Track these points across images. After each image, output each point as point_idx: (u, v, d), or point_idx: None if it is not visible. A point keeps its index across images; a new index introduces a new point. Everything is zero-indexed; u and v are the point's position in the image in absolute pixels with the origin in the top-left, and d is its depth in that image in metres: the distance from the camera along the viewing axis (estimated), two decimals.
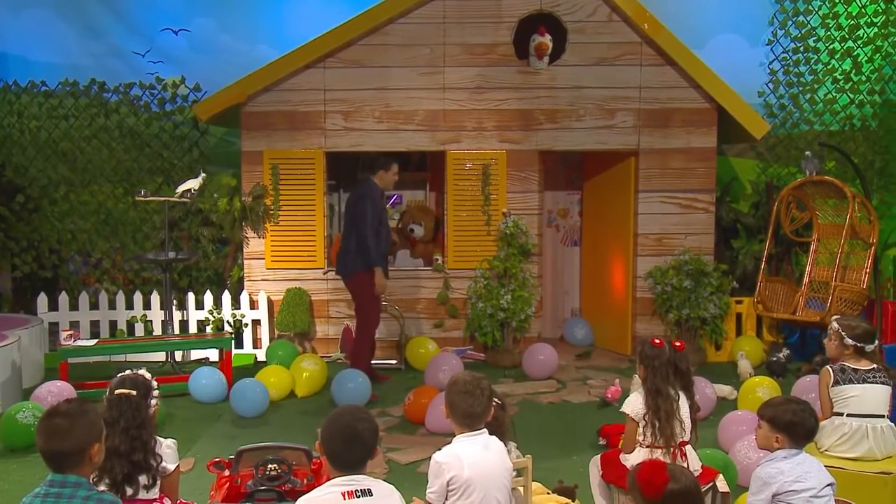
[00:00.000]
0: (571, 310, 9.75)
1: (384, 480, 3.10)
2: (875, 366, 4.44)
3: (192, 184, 8.02)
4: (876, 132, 9.85)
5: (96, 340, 7.74)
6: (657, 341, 4.14)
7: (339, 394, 6.77)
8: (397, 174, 7.36)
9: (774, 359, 7.86)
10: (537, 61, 8.44)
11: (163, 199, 8.27)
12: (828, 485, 3.45)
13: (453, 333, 8.55)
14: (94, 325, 8.57)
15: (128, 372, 3.73)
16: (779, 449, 3.53)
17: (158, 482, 3.52)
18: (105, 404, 3.54)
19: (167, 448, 3.62)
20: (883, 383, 4.40)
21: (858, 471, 4.25)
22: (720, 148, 8.95)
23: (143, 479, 3.46)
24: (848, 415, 4.37)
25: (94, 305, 8.64)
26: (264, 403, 6.66)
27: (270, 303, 8.54)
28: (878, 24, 9.75)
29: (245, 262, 8.66)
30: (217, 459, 4.26)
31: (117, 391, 3.55)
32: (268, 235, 8.55)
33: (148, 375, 3.73)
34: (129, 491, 3.42)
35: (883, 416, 4.38)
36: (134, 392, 3.54)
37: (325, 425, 2.99)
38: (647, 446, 4.02)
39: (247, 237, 8.59)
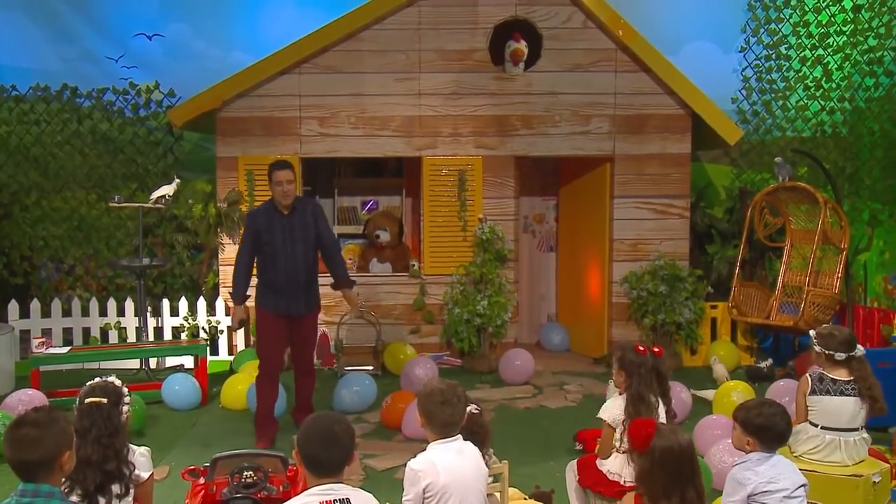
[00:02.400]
0: (548, 315, 9.78)
1: (361, 487, 3.09)
2: (853, 377, 4.40)
3: (167, 190, 7.96)
4: (846, 139, 9.98)
5: (69, 348, 7.66)
6: (641, 348, 4.16)
7: (343, 398, 6.79)
8: (282, 183, 5.93)
9: (756, 366, 7.94)
10: (513, 67, 8.47)
11: (137, 205, 8.19)
12: (801, 485, 3.49)
13: (430, 339, 8.54)
14: (67, 332, 8.47)
15: (97, 380, 3.67)
16: (751, 451, 3.56)
17: (131, 491, 3.48)
18: (76, 414, 3.49)
19: (140, 456, 3.57)
20: (860, 396, 4.38)
21: (830, 473, 4.29)
22: (694, 154, 9.03)
23: (115, 489, 3.41)
24: (822, 427, 4.38)
25: (66, 312, 8.54)
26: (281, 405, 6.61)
27: (246, 309, 8.46)
28: (847, 33, 9.89)
29: (220, 268, 8.61)
30: (192, 467, 4.21)
31: (88, 400, 3.49)
32: None
33: (118, 382, 3.66)
34: (102, 501, 3.37)
35: (857, 430, 4.39)
36: (105, 400, 3.49)
37: (301, 430, 2.96)
38: (624, 451, 4.04)
39: (222, 243, 8.53)
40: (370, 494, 3.00)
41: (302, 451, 2.92)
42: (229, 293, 6.22)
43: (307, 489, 2.93)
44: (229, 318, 8.34)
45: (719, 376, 7.62)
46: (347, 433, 2.94)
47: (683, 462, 2.78)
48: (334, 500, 2.84)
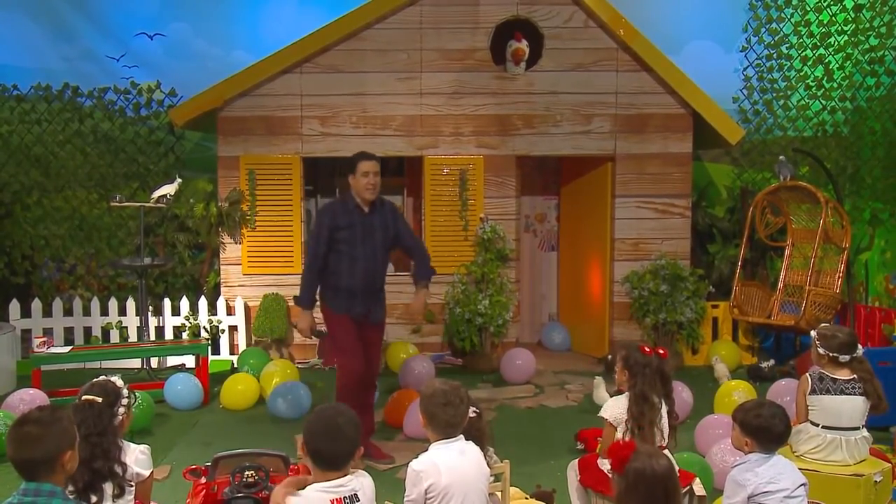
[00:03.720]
0: (549, 315, 9.78)
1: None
2: (854, 376, 4.38)
3: (168, 189, 7.96)
4: (847, 138, 9.97)
5: (70, 347, 7.67)
6: (647, 349, 4.17)
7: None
8: (368, 174, 5.39)
9: (757, 366, 7.94)
10: (514, 67, 8.47)
11: (138, 204, 8.20)
12: (801, 485, 3.50)
13: (431, 339, 8.54)
14: (69, 331, 8.48)
15: (101, 378, 3.67)
16: (750, 452, 3.57)
17: (129, 492, 3.45)
18: (70, 410, 3.48)
19: (140, 454, 3.55)
20: (861, 394, 4.36)
21: (832, 473, 4.29)
22: (696, 153, 9.02)
23: (108, 488, 3.38)
24: (823, 427, 4.36)
25: (68, 312, 8.55)
26: (306, 405, 6.64)
27: (247, 309, 8.49)
28: (848, 33, 9.88)
29: (222, 267, 8.61)
30: (193, 467, 4.22)
31: (83, 397, 3.49)
32: (244, 241, 8.51)
33: (120, 383, 3.63)
34: (94, 498, 3.35)
35: (858, 428, 4.37)
36: (99, 399, 3.47)
37: (307, 424, 2.99)
38: None
39: (223, 243, 8.54)
40: (365, 475, 3.04)
41: (308, 446, 2.95)
42: (295, 297, 5.68)
43: (317, 483, 2.96)
44: (230, 318, 8.42)
45: (720, 375, 7.62)
46: (352, 425, 2.96)
47: (656, 487, 2.79)
48: (344, 497, 2.86)
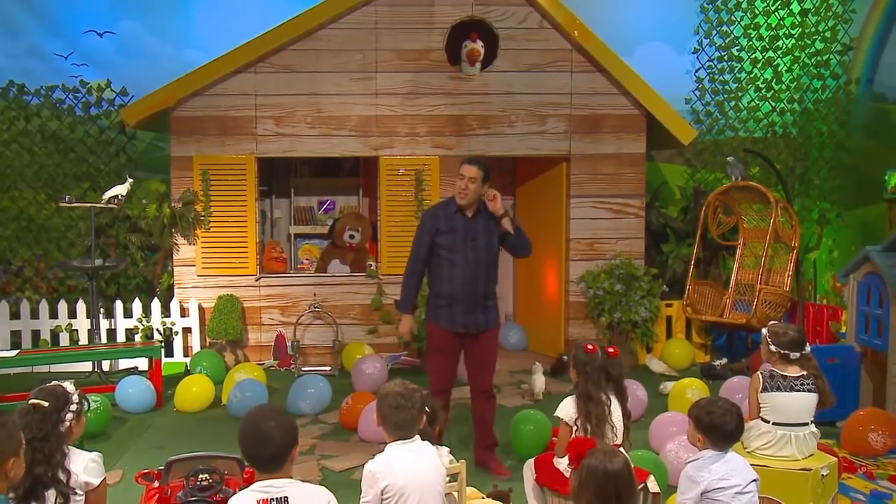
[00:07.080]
0: (505, 315, 9.80)
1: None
2: (804, 373, 4.48)
3: (120, 189, 7.82)
4: (796, 139, 10.18)
5: (17, 351, 7.48)
6: (590, 347, 4.20)
7: (298, 401, 6.76)
8: (464, 178, 5.28)
9: (710, 364, 8.08)
10: (469, 67, 8.50)
11: (89, 204, 8.03)
12: (752, 481, 3.59)
13: (387, 339, 8.52)
14: (16, 335, 8.28)
15: (52, 383, 3.60)
16: (703, 449, 3.63)
17: (74, 501, 3.34)
18: (17, 415, 3.40)
19: (91, 462, 3.46)
20: (809, 391, 4.47)
21: (781, 468, 4.38)
22: (649, 154, 9.14)
23: (51, 496, 3.28)
24: (773, 423, 4.45)
25: (14, 315, 8.35)
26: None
27: (201, 310, 8.38)
28: (796, 36, 10.10)
29: (175, 269, 8.50)
30: (146, 471, 4.16)
31: (30, 401, 3.42)
32: (198, 242, 8.40)
33: (71, 389, 3.55)
34: None
35: (807, 424, 4.47)
36: (45, 403, 3.39)
37: (239, 428, 3.00)
38: None
39: (177, 244, 8.43)
40: (315, 488, 3.00)
41: (241, 449, 2.98)
42: (395, 301, 5.60)
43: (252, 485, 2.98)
44: (184, 320, 8.31)
45: (661, 370, 7.78)
46: (278, 428, 2.93)
47: (608, 485, 2.83)
48: (271, 498, 2.85)
